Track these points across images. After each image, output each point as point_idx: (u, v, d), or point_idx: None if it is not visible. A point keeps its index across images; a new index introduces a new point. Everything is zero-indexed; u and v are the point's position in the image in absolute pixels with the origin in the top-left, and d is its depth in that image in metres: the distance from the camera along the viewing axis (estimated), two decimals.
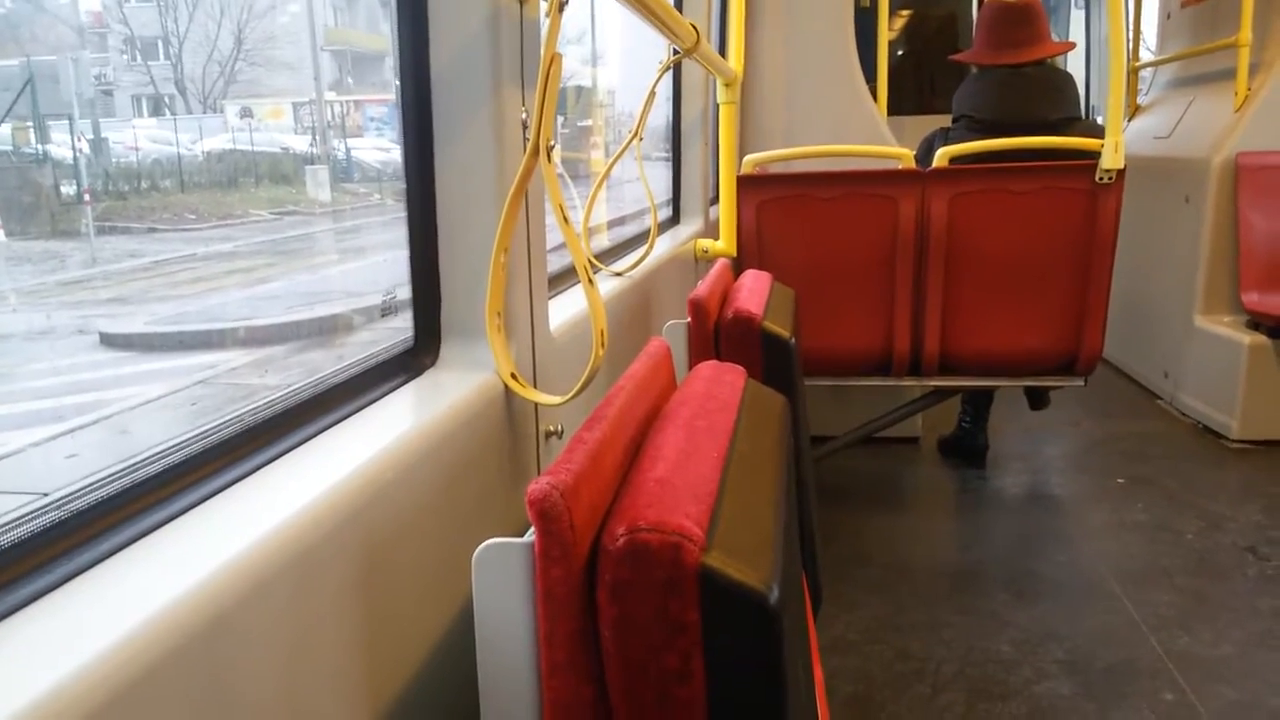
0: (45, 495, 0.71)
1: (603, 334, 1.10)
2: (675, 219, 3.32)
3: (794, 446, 1.25)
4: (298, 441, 0.94)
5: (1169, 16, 5.19)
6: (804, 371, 2.04)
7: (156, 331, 5.13)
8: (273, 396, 0.98)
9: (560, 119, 1.14)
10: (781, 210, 3.11)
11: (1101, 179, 2.88)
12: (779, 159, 3.35)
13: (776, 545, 0.82)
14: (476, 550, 0.78)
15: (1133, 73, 5.37)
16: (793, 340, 1.73)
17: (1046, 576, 2.84)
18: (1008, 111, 3.21)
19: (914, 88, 6.31)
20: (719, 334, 1.76)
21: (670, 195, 3.34)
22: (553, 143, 1.07)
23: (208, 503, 0.80)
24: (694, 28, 2.03)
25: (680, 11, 2.78)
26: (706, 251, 3.03)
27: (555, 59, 1.04)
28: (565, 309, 1.55)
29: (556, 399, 1.18)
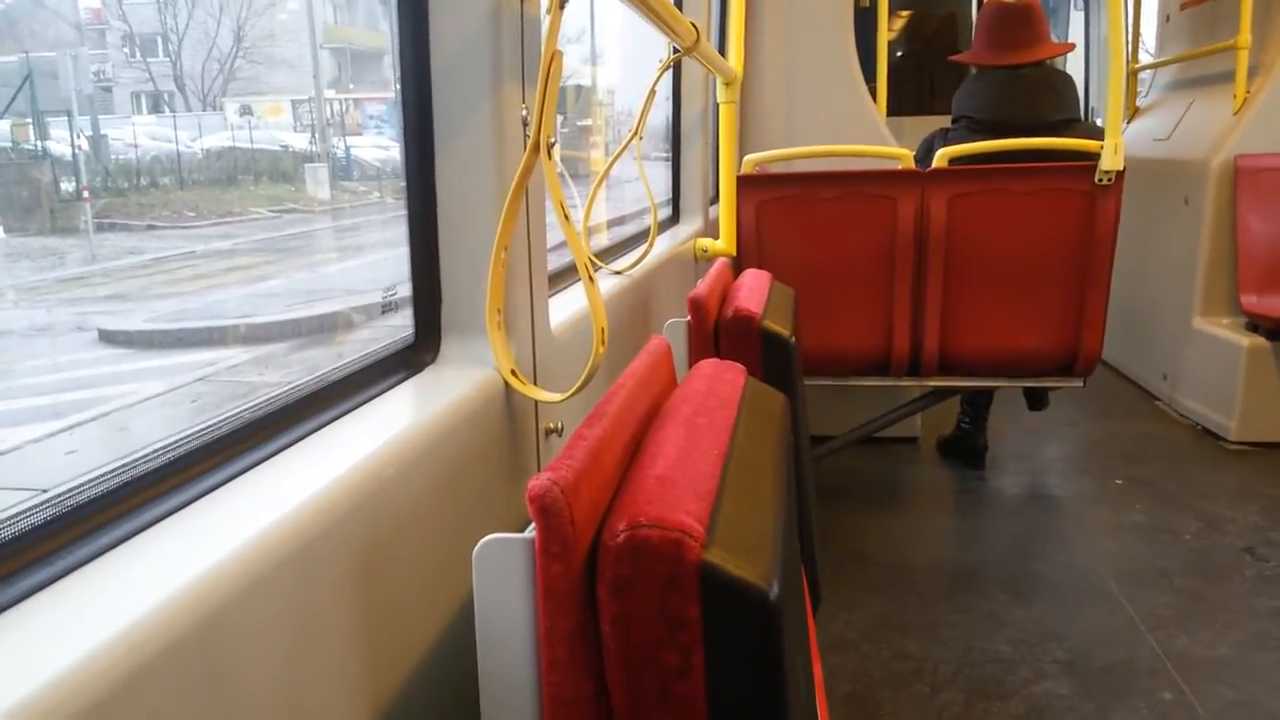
0: (44, 491, 0.71)
1: (603, 332, 1.10)
2: (675, 218, 3.32)
3: (793, 445, 1.25)
4: (298, 437, 0.94)
5: (1168, 19, 5.19)
6: (803, 371, 2.04)
7: (156, 329, 5.13)
8: (273, 393, 0.98)
9: (560, 118, 1.14)
10: (781, 210, 3.11)
11: (1101, 180, 2.88)
12: (779, 158, 3.35)
13: (776, 542, 0.82)
14: (477, 546, 0.78)
15: (1132, 75, 5.38)
16: (792, 339, 1.73)
17: (1045, 577, 2.84)
18: (1007, 113, 3.21)
19: (914, 88, 6.31)
20: (719, 333, 1.76)
21: (670, 194, 3.34)
22: (553, 140, 1.07)
23: (208, 497, 0.80)
24: (694, 26, 2.03)
25: (680, 10, 2.78)
26: (706, 250, 3.03)
27: (556, 56, 1.04)
28: (565, 307, 1.55)
29: (557, 396, 1.18)
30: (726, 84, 2.89)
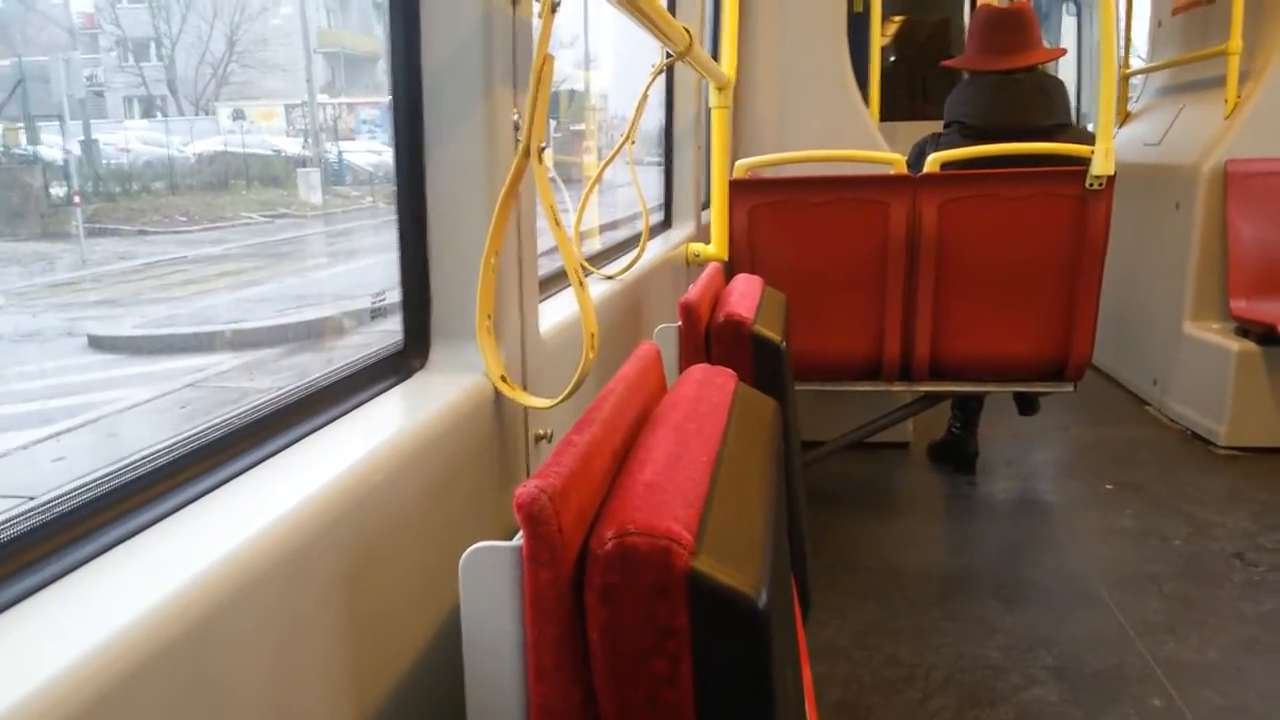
0: (31, 499, 0.71)
1: (593, 337, 1.10)
2: (667, 223, 3.32)
3: (784, 451, 1.25)
4: (286, 443, 0.94)
5: (1160, 24, 5.22)
6: (795, 376, 2.04)
7: (145, 334, 5.11)
8: (261, 399, 0.98)
9: (552, 123, 1.14)
10: (773, 215, 3.12)
11: (1092, 185, 2.89)
12: (771, 163, 3.35)
13: (766, 549, 0.81)
14: (464, 554, 0.78)
15: (1123, 80, 5.40)
16: (783, 344, 1.73)
17: (1035, 582, 2.85)
18: (999, 117, 3.22)
19: (906, 93, 6.33)
20: (710, 338, 1.76)
21: (662, 199, 3.34)
22: (544, 145, 1.07)
23: (195, 504, 0.79)
24: (687, 31, 2.03)
25: (673, 15, 2.78)
26: (698, 255, 3.03)
27: (547, 61, 1.04)
28: (556, 312, 1.54)
29: (546, 402, 1.18)
30: (719, 89, 2.90)
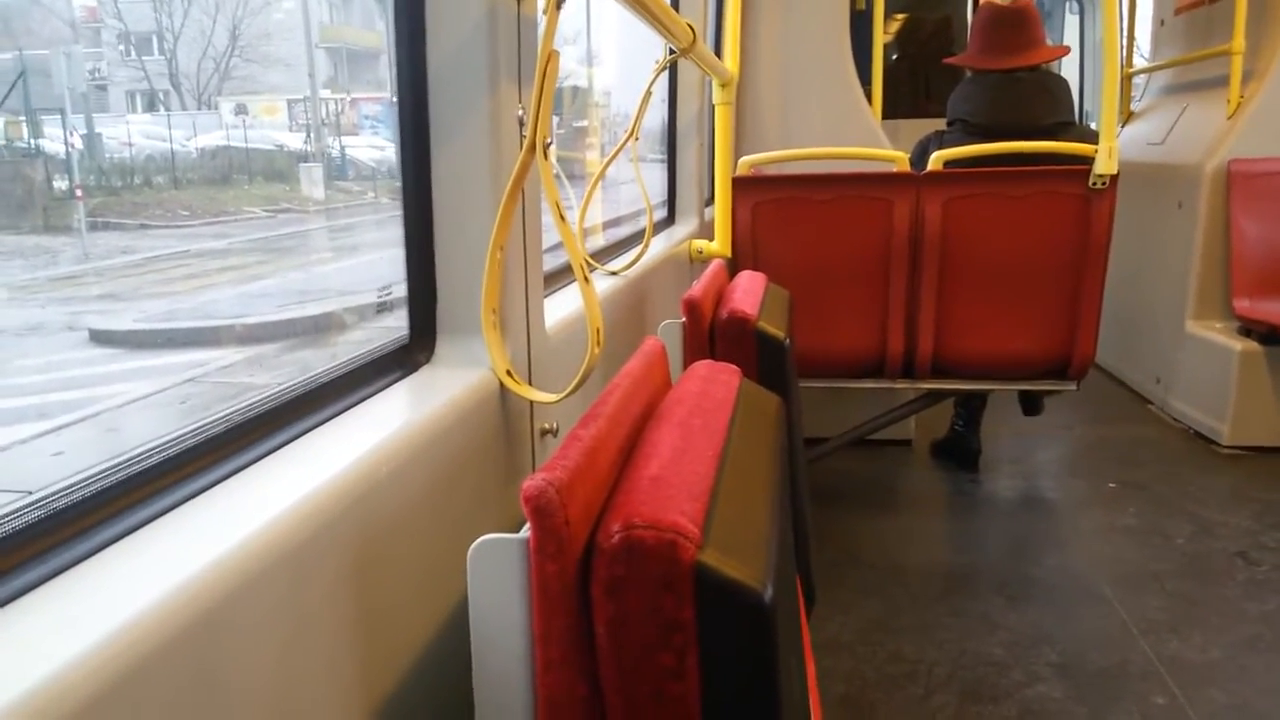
0: (30, 494, 0.71)
1: (598, 332, 1.10)
2: (670, 219, 3.32)
3: (788, 447, 1.25)
4: (292, 436, 0.94)
5: (1163, 23, 5.21)
6: (798, 373, 2.04)
7: (146, 328, 5.10)
8: (263, 394, 0.98)
9: (556, 119, 1.14)
10: (776, 212, 3.12)
11: (1095, 184, 2.88)
12: (774, 160, 3.35)
13: (770, 544, 0.82)
14: (472, 546, 0.78)
15: (1126, 79, 5.39)
16: (787, 341, 1.73)
17: (1038, 580, 2.85)
18: (1002, 116, 3.22)
19: (909, 91, 6.32)
20: (714, 334, 1.76)
21: (666, 195, 3.34)
22: (549, 140, 1.07)
23: (201, 497, 0.79)
24: (690, 28, 2.03)
25: (677, 11, 2.78)
26: (701, 252, 3.03)
27: (552, 56, 1.04)
28: (561, 307, 1.55)
29: (552, 397, 1.18)
30: (722, 85, 2.90)
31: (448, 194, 1.19)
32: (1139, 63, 5.62)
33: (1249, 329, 3.93)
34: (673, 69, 3.11)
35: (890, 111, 4.77)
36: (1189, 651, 2.41)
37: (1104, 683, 2.29)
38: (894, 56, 6.59)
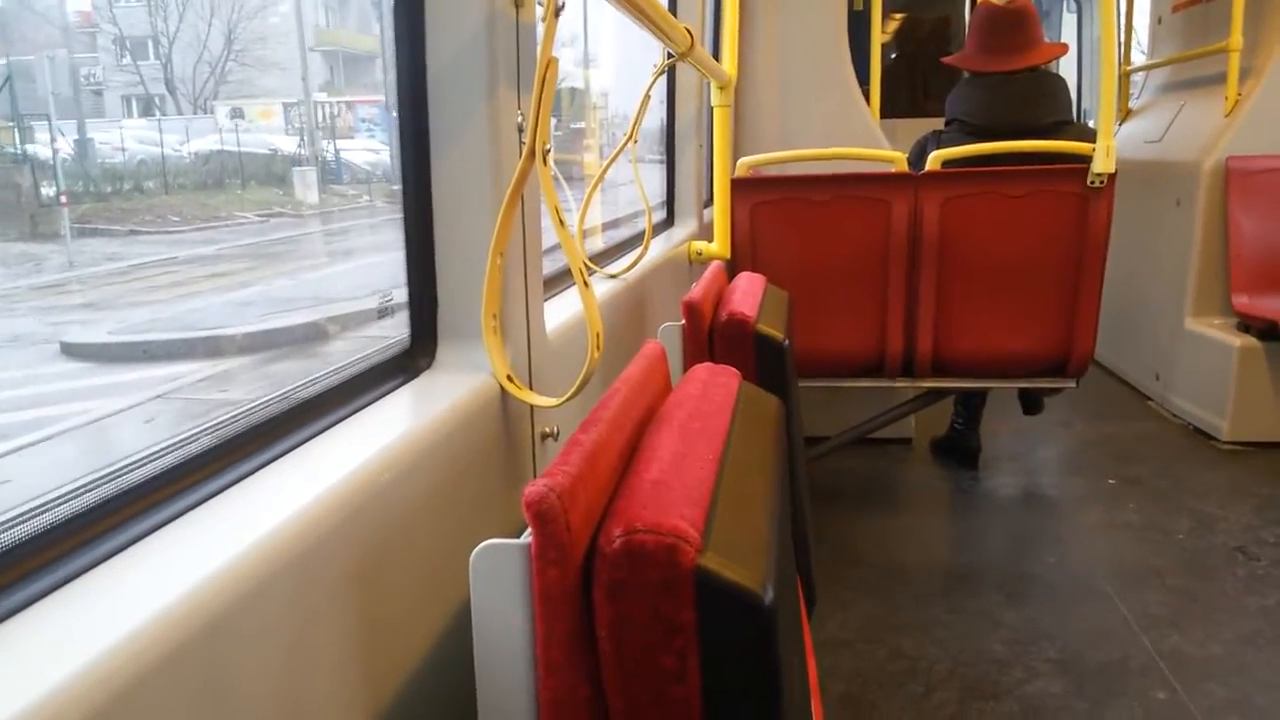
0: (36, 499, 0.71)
1: (598, 336, 1.11)
2: (669, 221, 3.33)
3: (788, 448, 1.26)
4: (295, 444, 0.94)
5: (1160, 21, 5.21)
6: (797, 373, 2.05)
7: (120, 341, 4.86)
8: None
9: (553, 121, 1.15)
10: (775, 213, 3.12)
11: (1093, 183, 2.89)
12: (773, 162, 3.36)
13: (771, 546, 0.82)
14: (474, 552, 0.79)
15: (1124, 77, 5.40)
16: (786, 342, 1.74)
17: (1038, 577, 2.85)
18: (1000, 115, 3.22)
19: (907, 91, 6.33)
20: (713, 336, 1.77)
21: (665, 198, 3.35)
22: (548, 146, 1.08)
23: (205, 505, 0.80)
24: (688, 31, 2.04)
25: (674, 15, 2.78)
26: (701, 254, 3.04)
27: (551, 63, 1.04)
28: (561, 311, 1.55)
29: (552, 401, 1.19)
30: (721, 87, 2.90)
31: (448, 200, 1.19)
32: (1137, 60, 5.62)
33: (1248, 325, 3.93)
34: (671, 71, 3.11)
35: (888, 111, 4.77)
36: (1189, 647, 2.42)
37: (1104, 678, 2.30)
38: (892, 56, 6.59)
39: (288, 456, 0.92)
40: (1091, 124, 3.20)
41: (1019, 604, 2.67)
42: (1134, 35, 5.55)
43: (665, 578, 0.72)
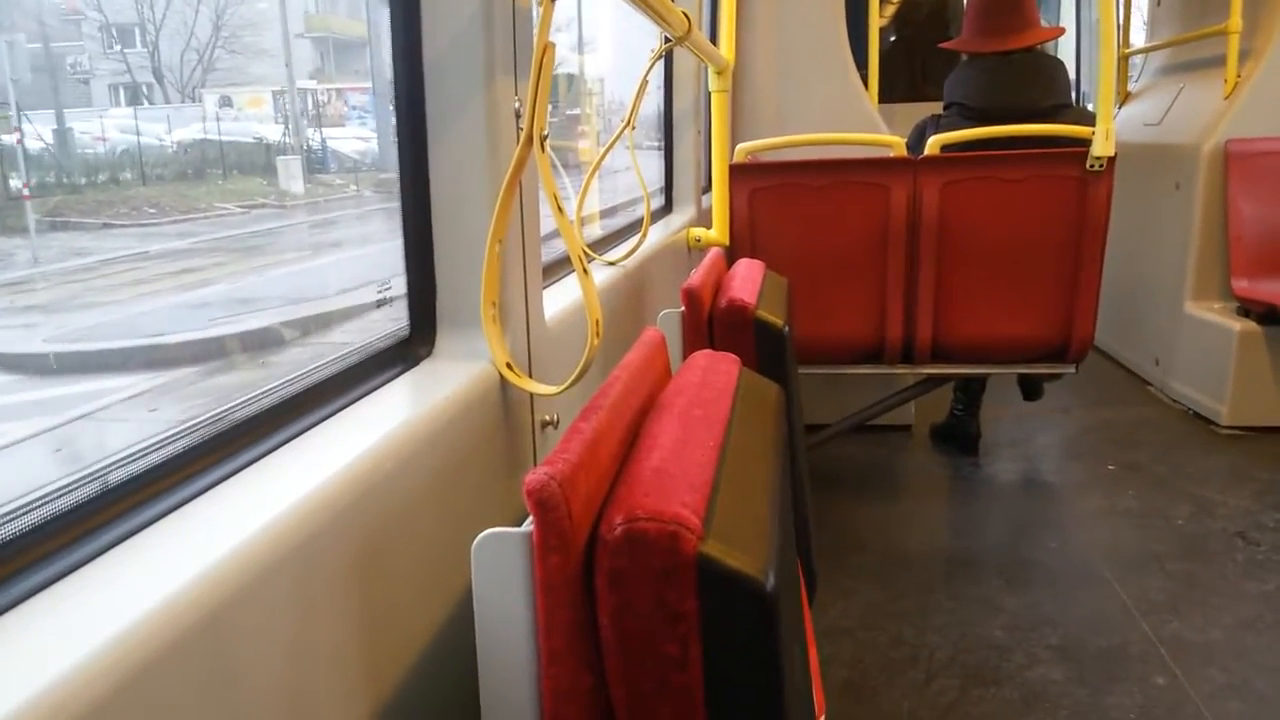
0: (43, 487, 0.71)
1: (597, 324, 1.10)
2: (668, 208, 3.32)
3: (788, 435, 1.25)
4: (295, 433, 0.94)
5: (1159, 2, 5.19)
6: (797, 360, 2.05)
7: (54, 350, 4.33)
8: (262, 392, 0.96)
9: (549, 107, 1.14)
10: (774, 198, 3.11)
11: (1092, 166, 2.88)
12: (771, 147, 3.35)
13: (772, 533, 0.82)
14: (475, 540, 0.78)
15: (1124, 59, 5.38)
16: (786, 329, 1.74)
17: (1038, 563, 2.86)
18: (998, 99, 3.21)
19: (905, 75, 6.30)
20: (712, 323, 1.77)
21: (663, 184, 3.34)
22: (545, 133, 1.07)
23: (207, 495, 0.80)
24: (686, 16, 2.03)
25: None
26: (699, 240, 3.03)
27: (548, 49, 1.04)
28: (560, 299, 1.55)
29: (552, 389, 1.19)
30: (718, 73, 2.89)
31: (446, 187, 1.19)
32: (1138, 35, 5.60)
33: (1247, 309, 3.93)
34: (668, 56, 3.10)
35: (887, 95, 4.75)
36: (1189, 632, 2.43)
37: (1104, 664, 2.30)
38: (890, 39, 6.57)
39: (288, 446, 0.92)
40: (1091, 107, 3.19)
41: (1019, 590, 2.67)
42: (1133, 6, 5.52)
43: (667, 565, 0.72)
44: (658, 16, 1.81)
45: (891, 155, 3.08)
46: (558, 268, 1.76)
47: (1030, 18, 3.29)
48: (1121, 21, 5.25)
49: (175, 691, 0.62)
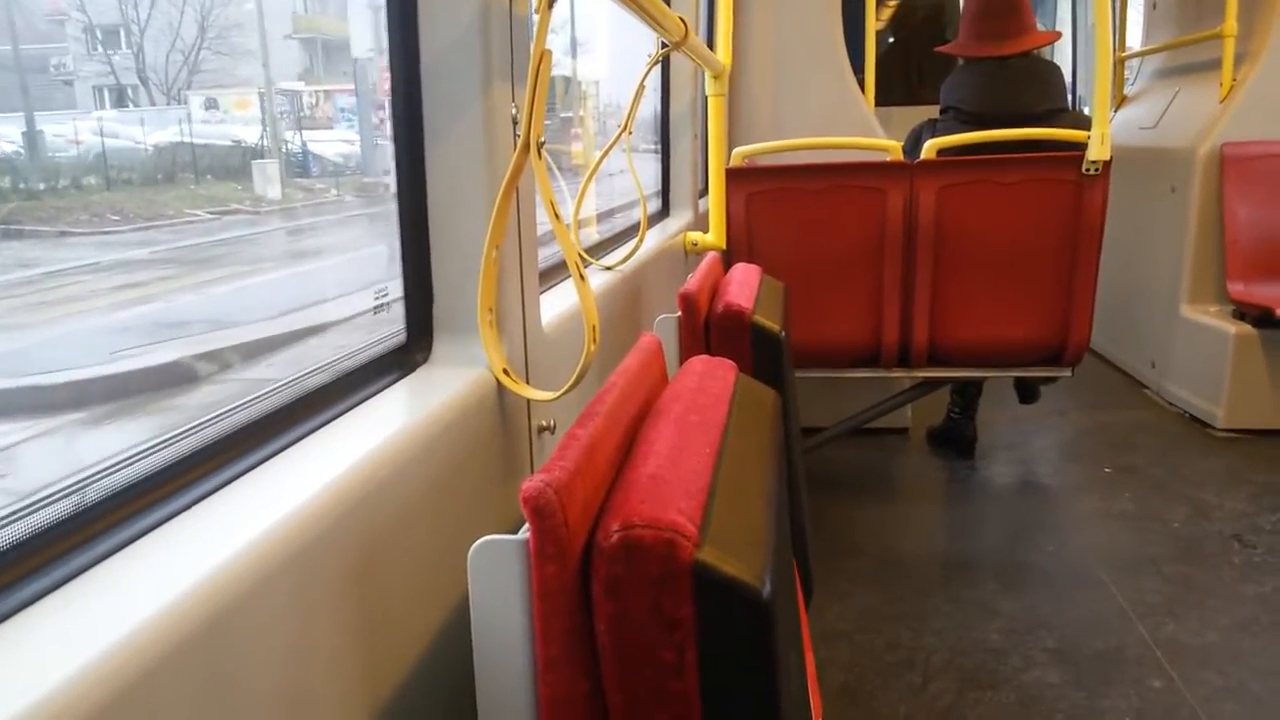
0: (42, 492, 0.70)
1: (594, 329, 1.10)
2: (665, 212, 3.32)
3: (784, 439, 1.25)
4: (292, 440, 0.94)
5: (1154, 6, 5.21)
6: (794, 364, 2.05)
7: None
8: (269, 393, 0.96)
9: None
10: (770, 203, 3.12)
11: (1088, 170, 2.89)
12: (768, 151, 3.35)
13: (768, 539, 0.82)
14: (472, 548, 0.78)
15: (1119, 63, 5.39)
16: (782, 333, 1.74)
17: (1035, 566, 2.86)
18: (995, 103, 3.22)
19: (902, 78, 6.31)
20: (709, 328, 1.77)
21: (659, 188, 3.34)
22: (543, 139, 1.08)
23: (204, 502, 0.80)
24: (682, 21, 2.03)
25: (668, 4, 2.77)
26: (696, 244, 3.03)
27: (545, 55, 1.04)
28: (556, 304, 1.55)
29: (549, 395, 1.19)
30: (715, 77, 2.89)
31: (442, 193, 1.19)
32: (1134, 38, 5.61)
33: (1243, 312, 3.94)
34: (665, 60, 3.10)
35: (883, 99, 4.76)
36: (1185, 635, 2.43)
37: (1101, 667, 2.30)
38: (888, 43, 6.58)
39: (285, 453, 0.92)
40: (1087, 111, 3.20)
41: (1016, 593, 2.68)
42: (1127, 20, 5.54)
43: (663, 572, 0.72)
44: (654, 22, 1.81)
45: (888, 159, 3.09)
46: (555, 273, 1.77)
47: (1026, 22, 3.30)
48: (1117, 25, 5.26)
49: (174, 698, 0.62)
